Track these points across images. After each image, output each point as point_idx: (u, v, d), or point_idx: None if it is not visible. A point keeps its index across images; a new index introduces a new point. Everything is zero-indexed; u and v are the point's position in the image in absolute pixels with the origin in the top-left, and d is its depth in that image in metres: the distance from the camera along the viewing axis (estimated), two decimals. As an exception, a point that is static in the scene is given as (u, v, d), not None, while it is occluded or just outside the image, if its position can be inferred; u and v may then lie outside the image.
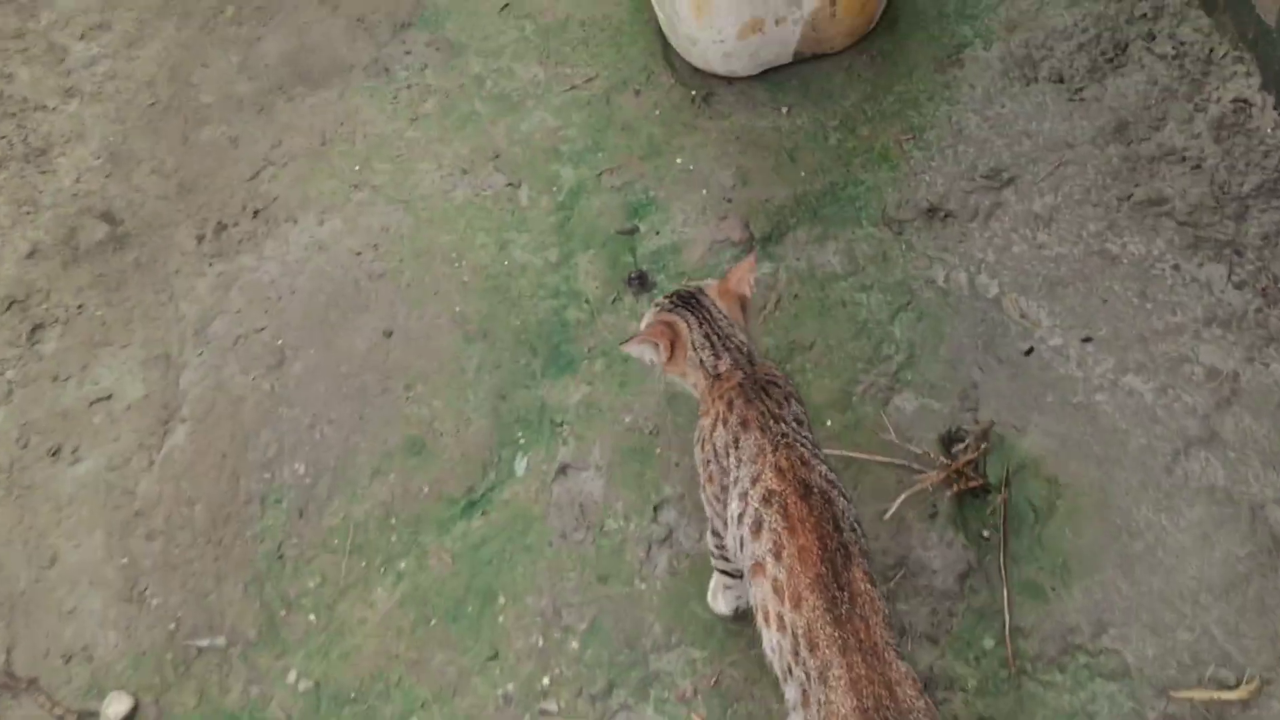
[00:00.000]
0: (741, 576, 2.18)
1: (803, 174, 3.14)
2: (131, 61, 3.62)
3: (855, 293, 2.89)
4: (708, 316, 2.21)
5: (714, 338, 2.19)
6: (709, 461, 2.15)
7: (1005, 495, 2.56)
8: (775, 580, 1.89)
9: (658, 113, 3.31)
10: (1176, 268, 2.80)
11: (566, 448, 2.76)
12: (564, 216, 3.12)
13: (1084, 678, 2.34)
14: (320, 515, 2.70)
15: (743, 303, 2.30)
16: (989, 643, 2.39)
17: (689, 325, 2.20)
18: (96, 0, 3.83)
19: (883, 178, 3.09)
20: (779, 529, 1.91)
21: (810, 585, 1.84)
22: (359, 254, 3.08)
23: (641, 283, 2.99)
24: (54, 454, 2.81)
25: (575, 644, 2.47)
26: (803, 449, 2.03)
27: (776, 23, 3.10)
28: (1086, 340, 2.74)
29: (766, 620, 1.92)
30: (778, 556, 1.89)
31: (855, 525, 2.00)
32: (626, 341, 2.22)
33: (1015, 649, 2.35)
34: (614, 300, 2.97)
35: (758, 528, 1.95)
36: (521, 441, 2.78)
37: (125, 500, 2.73)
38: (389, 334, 2.92)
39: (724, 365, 2.16)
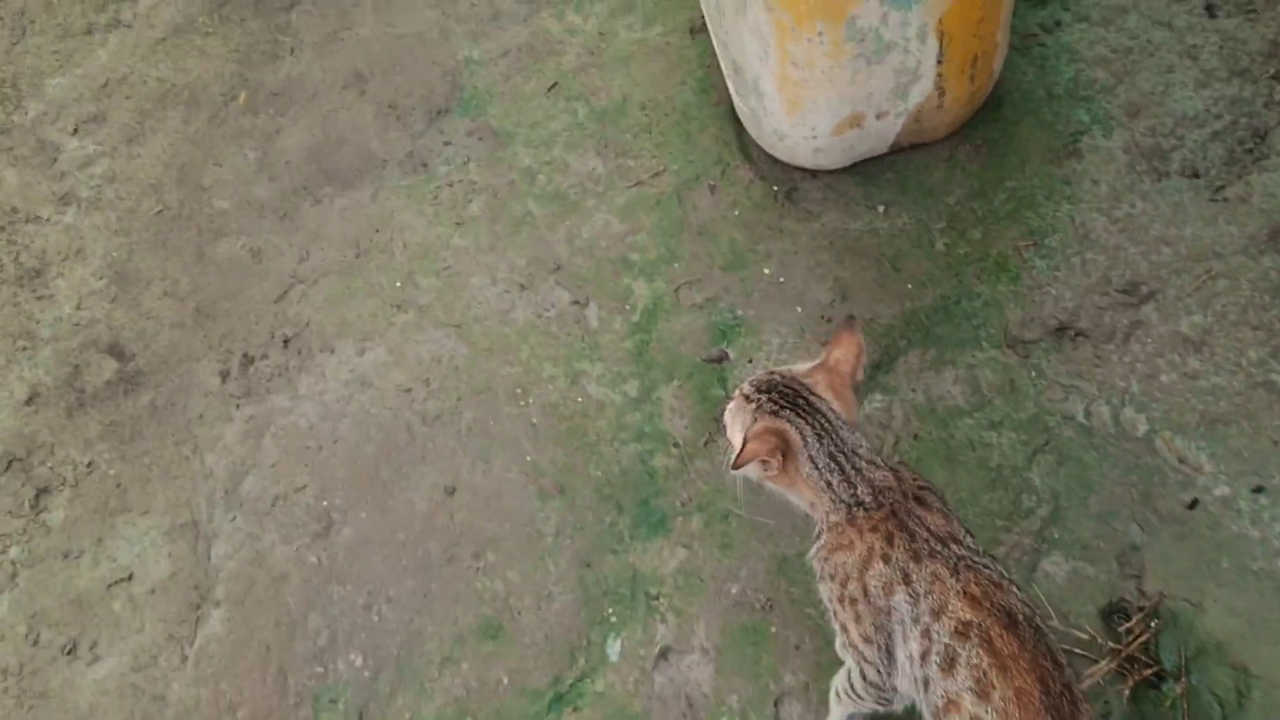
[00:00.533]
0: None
1: (909, 286, 2.82)
2: (133, 161, 3.23)
3: (983, 431, 2.58)
4: (826, 426, 1.89)
5: (840, 457, 1.88)
6: (855, 601, 1.85)
7: (1185, 686, 2.27)
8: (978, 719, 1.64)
9: (737, 213, 2.97)
10: (1358, 404, 2.51)
11: (665, 626, 2.43)
12: (641, 341, 2.77)
13: None
14: (383, 717, 2.38)
15: (849, 388, 1.98)
16: None
17: (804, 437, 1.88)
18: (90, 87, 3.43)
19: (1001, 291, 2.77)
20: (984, 665, 1.65)
21: None
22: (409, 391, 2.73)
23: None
24: (69, 652, 2.43)
25: None
26: (989, 570, 1.77)
27: (878, 117, 2.76)
28: (1258, 490, 2.43)
29: None
30: (983, 696, 1.64)
31: (1065, 660, 1.73)
32: (734, 460, 1.88)
33: None
34: (706, 443, 2.63)
35: (950, 664, 1.68)
36: (613, 620, 2.45)
37: (156, 709, 2.36)
38: (451, 491, 2.58)
39: (864, 493, 1.86)
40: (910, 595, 1.82)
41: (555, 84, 3.26)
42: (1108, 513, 2.46)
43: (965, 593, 1.76)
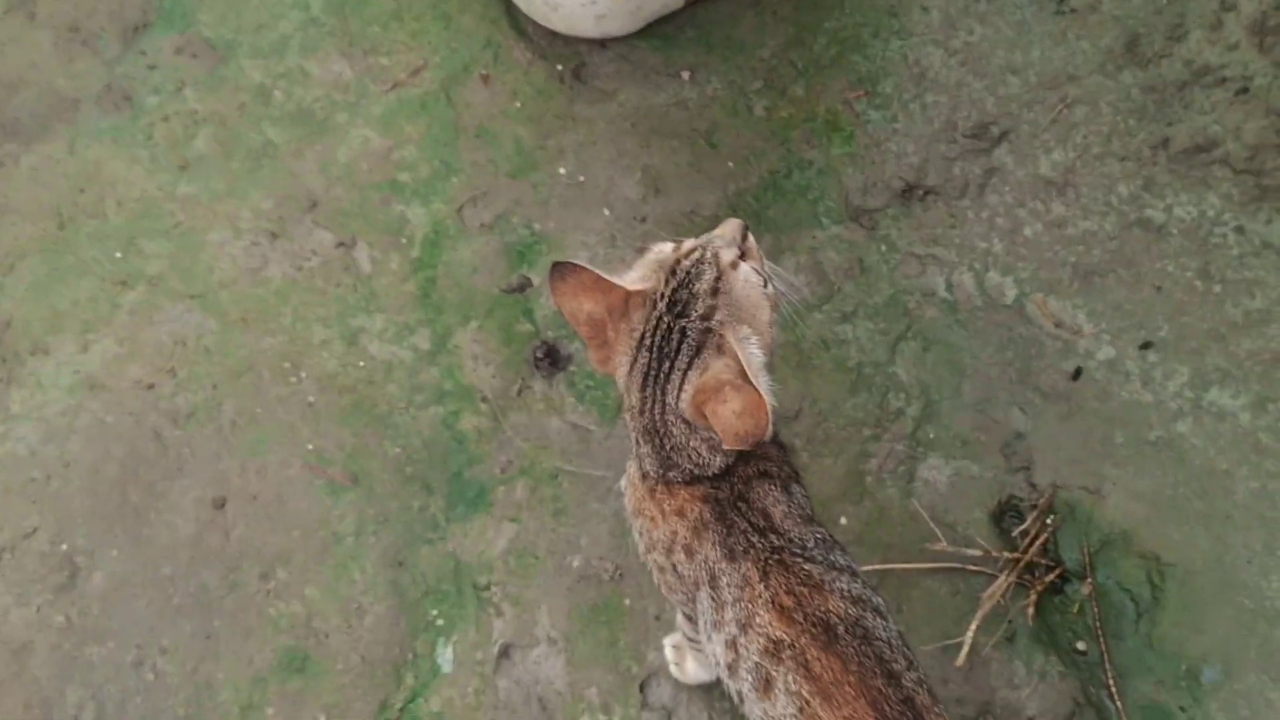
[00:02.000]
0: None
1: (730, 165, 2.45)
2: None
3: (836, 325, 2.28)
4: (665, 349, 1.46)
5: (656, 434, 1.51)
6: (662, 569, 1.57)
7: (1092, 585, 2.07)
8: None
9: (518, 105, 2.54)
10: (1240, 230, 2.25)
11: (502, 620, 2.11)
12: (425, 280, 2.36)
13: (1245, 823, 1.92)
14: (181, 791, 2.04)
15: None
16: (1118, 799, 1.93)
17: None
18: None
19: (836, 155, 2.43)
20: (804, 693, 1.38)
21: None
22: (151, 387, 2.28)
23: (552, 360, 2.30)
24: None
25: None
26: (806, 564, 1.46)
27: (665, -34, 2.38)
28: (1146, 346, 2.20)
29: None
30: None
31: (906, 656, 1.45)
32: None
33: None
34: (520, 391, 2.28)
35: (766, 686, 1.41)
36: (440, 623, 2.10)
37: (-112, 842, 1.99)
38: (221, 504, 2.18)
39: (674, 475, 1.51)
40: (714, 600, 1.51)
41: (286, -27, 2.76)
42: (984, 400, 2.21)
43: (775, 604, 1.44)
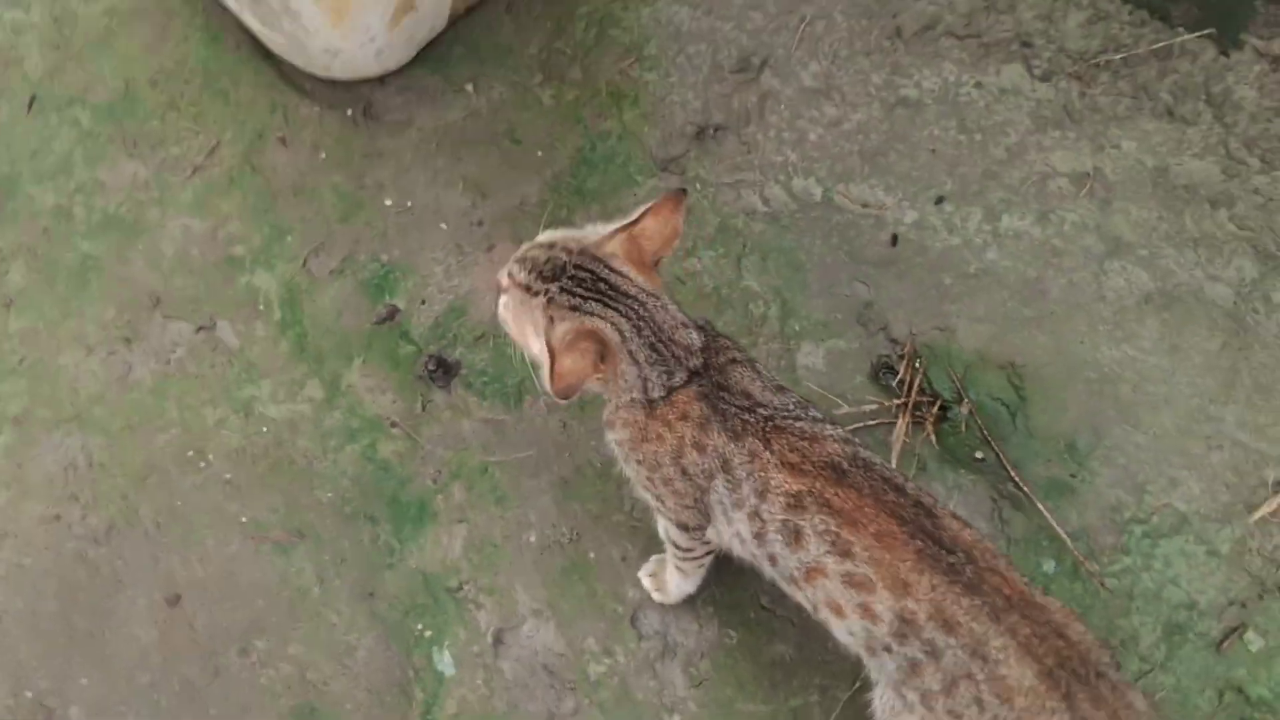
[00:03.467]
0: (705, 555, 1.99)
1: (539, 154, 2.67)
2: None
3: (683, 262, 2.54)
4: (640, 311, 1.73)
5: (660, 346, 1.75)
6: (670, 481, 1.80)
7: (969, 404, 2.41)
8: (851, 575, 1.66)
9: (323, 155, 2.66)
10: (979, 85, 2.66)
11: (485, 611, 2.24)
12: (296, 337, 2.45)
13: (1149, 548, 2.25)
14: None
15: (652, 266, 1.81)
16: (1050, 566, 2.26)
17: (620, 332, 1.72)
18: None
19: (630, 119, 2.68)
20: (831, 527, 1.65)
21: (915, 566, 1.62)
22: (58, 518, 2.27)
23: (444, 369, 2.43)
24: None
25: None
26: (796, 423, 1.74)
27: (429, -9, 2.57)
28: (939, 201, 2.56)
29: (839, 612, 1.71)
30: (845, 555, 1.65)
31: (900, 473, 1.76)
32: (553, 386, 1.69)
33: (1076, 558, 2.22)
34: (424, 406, 2.40)
35: (796, 537, 1.68)
36: (428, 634, 2.21)
37: None
38: (175, 600, 2.19)
39: (678, 378, 1.76)
40: (730, 481, 1.76)
41: (34, 97, 2.74)
42: (829, 284, 2.53)
43: (784, 463, 1.72)
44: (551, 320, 1.72)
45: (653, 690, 2.17)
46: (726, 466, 1.75)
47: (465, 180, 2.63)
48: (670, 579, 2.18)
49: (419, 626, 2.22)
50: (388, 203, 2.61)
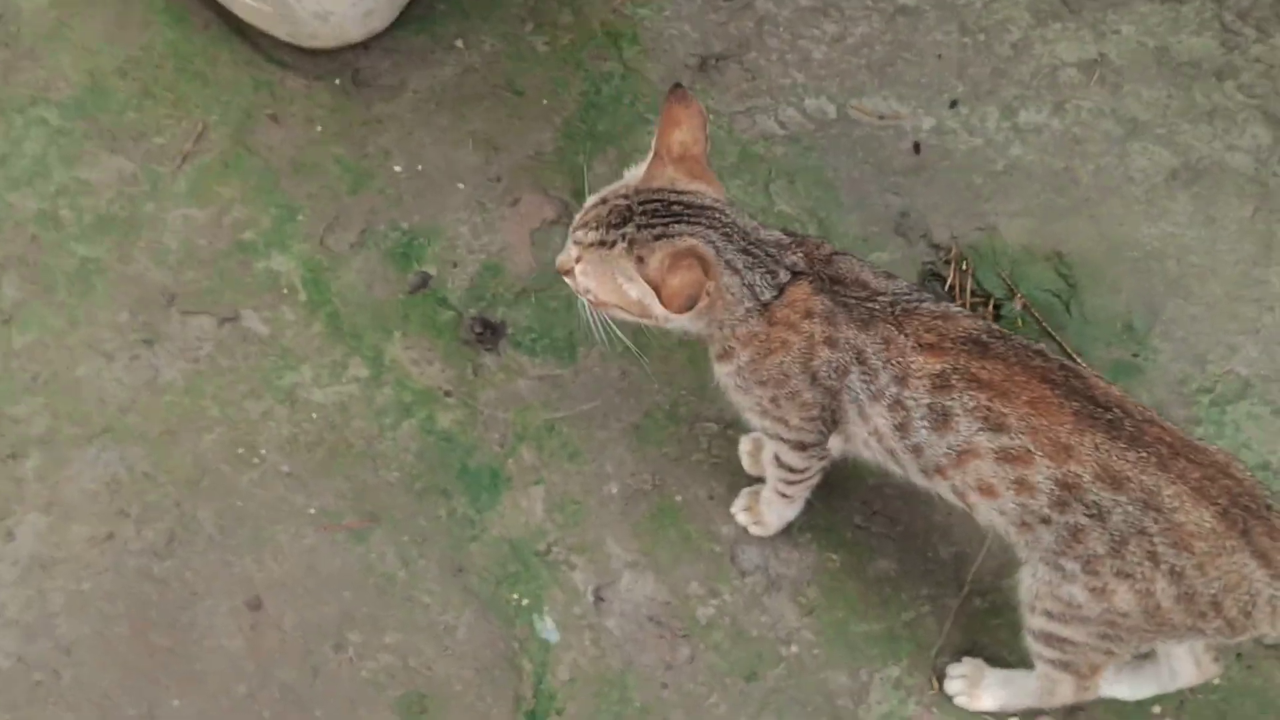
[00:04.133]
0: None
1: (545, 102, 2.52)
2: None
3: (712, 194, 2.46)
4: (722, 219, 1.69)
5: (753, 248, 1.70)
6: (796, 394, 1.73)
7: (1021, 299, 2.36)
8: (1006, 450, 1.62)
9: (319, 128, 2.45)
10: (975, -14, 2.66)
11: (579, 570, 2.11)
12: (329, 316, 2.27)
13: (1218, 416, 2.25)
14: None
15: (708, 169, 1.77)
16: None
17: (713, 245, 1.67)
18: None
19: (631, 57, 2.56)
20: (982, 402, 1.61)
21: (1074, 428, 1.59)
22: (111, 537, 2.04)
23: (489, 329, 2.28)
24: None
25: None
26: (922, 304, 1.71)
27: (416, -58, 2.40)
28: (954, 105, 2.49)
29: (990, 493, 1.67)
30: (1000, 429, 1.61)
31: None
32: (669, 304, 1.62)
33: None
34: (475, 371, 2.25)
35: (944, 419, 1.63)
36: (525, 602, 2.08)
37: None
38: (257, 604, 2.00)
39: (783, 275, 1.70)
40: (865, 373, 1.69)
41: (-10, 101, 2.52)
42: (861, 199, 2.45)
43: (921, 344, 1.67)
44: (641, 259, 1.65)
45: (765, 625, 2.08)
46: (861, 358, 1.68)
47: (474, 137, 2.47)
48: (771, 509, 2.09)
49: (515, 595, 2.08)
50: (397, 169, 2.44)
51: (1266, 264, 2.33)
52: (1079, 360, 2.23)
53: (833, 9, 2.61)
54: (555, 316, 2.31)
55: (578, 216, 1.75)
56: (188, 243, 2.34)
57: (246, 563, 2.05)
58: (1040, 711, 2.00)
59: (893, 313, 1.68)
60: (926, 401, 1.65)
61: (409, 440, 2.19)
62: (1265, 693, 2.03)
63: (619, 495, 2.18)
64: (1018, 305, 2.33)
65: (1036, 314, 2.31)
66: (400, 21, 2.57)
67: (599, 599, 2.10)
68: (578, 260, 1.73)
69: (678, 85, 1.73)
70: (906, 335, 1.66)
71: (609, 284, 1.71)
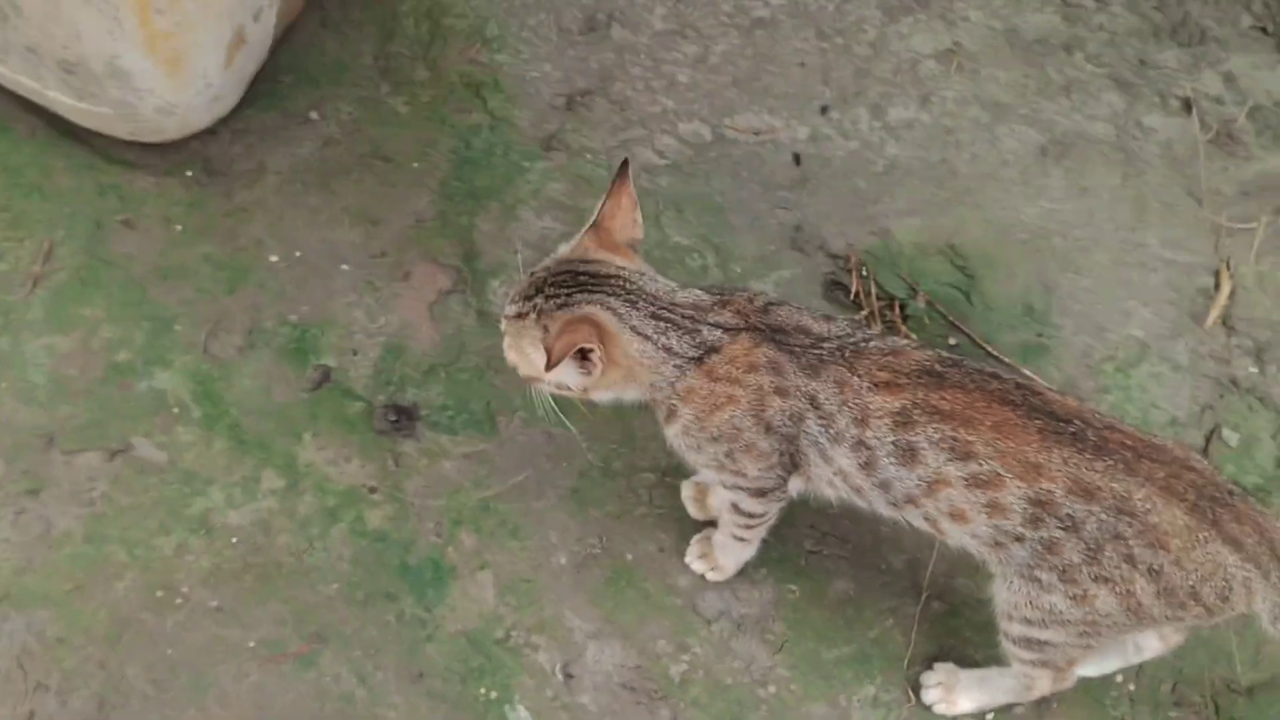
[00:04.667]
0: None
1: (416, 165, 2.38)
2: None
3: (604, 236, 2.36)
4: (629, 286, 1.67)
5: (665, 312, 1.67)
6: (751, 446, 1.70)
7: (926, 295, 2.34)
8: (975, 476, 1.61)
9: (179, 228, 2.26)
10: (825, -11, 2.62)
11: (542, 651, 1.99)
12: (229, 429, 2.08)
13: (1124, 380, 2.28)
14: None
15: (628, 244, 1.76)
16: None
17: (614, 311, 1.65)
18: None
19: (495, 105, 2.44)
20: (946, 432, 1.60)
21: (1040, 446, 1.59)
22: (31, 715, 1.81)
23: (403, 414, 2.13)
24: None
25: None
26: (871, 344, 1.69)
27: (256, 18, 2.18)
28: (825, 111, 2.48)
29: (962, 519, 1.65)
30: (969, 456, 1.60)
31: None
32: (546, 365, 1.61)
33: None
34: (396, 462, 2.11)
35: (910, 454, 1.62)
36: (494, 695, 1.94)
37: None
38: (211, 757, 1.85)
39: (709, 334, 1.67)
40: (822, 418, 1.66)
41: None
42: (752, 219, 2.40)
43: (877, 384, 1.64)
44: (545, 328, 1.63)
45: (739, 670, 2.01)
46: (815, 403, 1.64)
47: (349, 213, 2.32)
48: (727, 554, 2.02)
49: (482, 690, 1.95)
50: (273, 259, 2.26)
51: (1142, 227, 2.39)
52: (991, 349, 2.25)
53: (689, 29, 2.55)
54: (469, 389, 2.19)
55: (517, 283, 1.75)
56: (56, 375, 2.12)
57: (190, 715, 1.86)
58: (1015, 704, 2.03)
59: (842, 355, 1.64)
60: (891, 439, 1.62)
61: (341, 547, 2.04)
62: (1213, 642, 2.08)
63: (569, 565, 2.08)
64: (921, 303, 2.32)
65: (941, 309, 2.30)
66: (247, 100, 2.40)
67: (568, 676, 1.99)
68: (503, 335, 1.72)
69: (625, 162, 1.73)
70: (860, 376, 1.63)
71: (523, 355, 1.71)
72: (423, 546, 2.06)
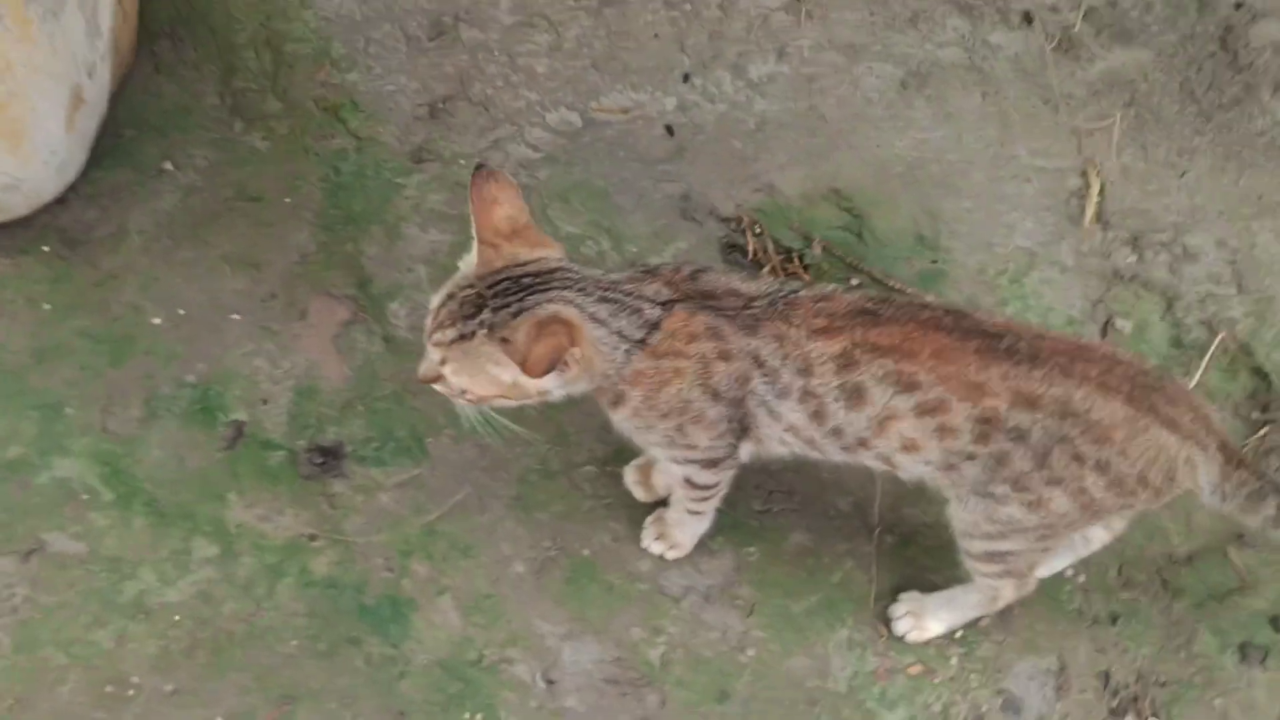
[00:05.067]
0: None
1: (287, 200, 2.27)
2: None
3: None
4: (573, 277, 1.64)
5: (611, 293, 1.65)
6: (700, 416, 1.69)
7: (820, 241, 2.35)
8: (923, 404, 1.63)
9: (47, 307, 2.09)
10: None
11: (519, 663, 1.94)
12: (146, 504, 1.95)
13: (1020, 291, 2.32)
14: None
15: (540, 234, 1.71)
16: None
17: (575, 305, 1.61)
18: None
19: (356, 125, 2.33)
20: (892, 368, 1.62)
21: (979, 366, 1.63)
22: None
23: (328, 455, 2.04)
24: None
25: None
26: (801, 293, 1.69)
27: (90, 75, 2.03)
28: (687, 79, 2.45)
29: (914, 448, 1.68)
30: (915, 386, 1.63)
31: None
32: (532, 369, 1.55)
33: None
34: (331, 504, 2.00)
35: (857, 395, 1.64)
36: (478, 718, 1.87)
37: None
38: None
39: (650, 313, 1.64)
40: (768, 374, 1.67)
41: None
42: (639, 198, 2.37)
43: (814, 330, 1.65)
44: (505, 340, 1.55)
45: (716, 640, 1.99)
46: (759, 361, 1.64)
47: (227, 260, 2.20)
48: (683, 530, 2.00)
49: (466, 715, 1.87)
50: (156, 321, 2.12)
51: (1009, 141, 2.43)
52: (894, 283, 2.26)
53: (538, 19, 2.48)
54: (390, 417, 2.11)
55: (428, 321, 1.64)
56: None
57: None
58: (981, 616, 2.07)
59: (776, 309, 1.64)
60: (836, 384, 1.62)
61: (292, 602, 1.94)
62: (1148, 522, 2.14)
63: (528, 572, 2.02)
64: (817, 250, 2.33)
65: (838, 253, 2.31)
66: (92, 161, 2.24)
67: (550, 682, 1.94)
68: (442, 363, 1.63)
69: (480, 166, 1.65)
70: (797, 326, 1.63)
71: (481, 376, 1.63)
72: (376, 584, 1.98)
